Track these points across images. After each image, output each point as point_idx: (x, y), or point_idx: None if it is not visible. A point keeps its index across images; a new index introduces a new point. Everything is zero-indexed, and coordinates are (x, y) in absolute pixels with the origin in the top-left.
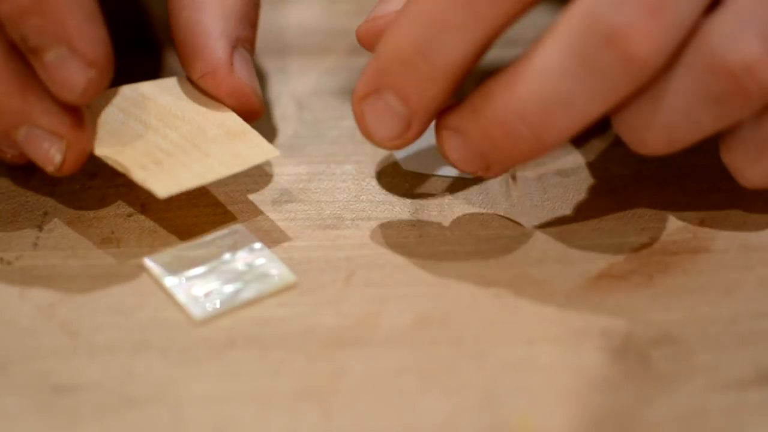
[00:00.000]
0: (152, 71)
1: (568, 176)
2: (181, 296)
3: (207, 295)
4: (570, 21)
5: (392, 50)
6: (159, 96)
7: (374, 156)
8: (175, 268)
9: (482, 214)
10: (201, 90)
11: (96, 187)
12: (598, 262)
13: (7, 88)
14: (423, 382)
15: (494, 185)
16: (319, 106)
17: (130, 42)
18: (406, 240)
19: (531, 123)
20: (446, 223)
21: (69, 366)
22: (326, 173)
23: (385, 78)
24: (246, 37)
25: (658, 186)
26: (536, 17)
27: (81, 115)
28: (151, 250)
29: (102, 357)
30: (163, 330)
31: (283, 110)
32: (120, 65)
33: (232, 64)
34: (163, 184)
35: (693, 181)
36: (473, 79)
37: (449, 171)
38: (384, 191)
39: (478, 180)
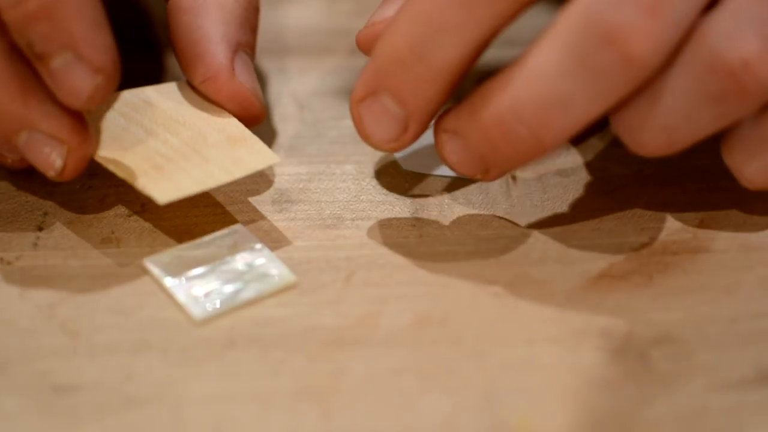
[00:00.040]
0: (153, 72)
1: (568, 176)
2: (181, 296)
3: (207, 295)
4: (567, 21)
5: (388, 52)
6: (160, 101)
7: (374, 156)
8: (175, 268)
9: (482, 214)
10: (202, 95)
11: (96, 187)
12: (598, 262)
13: (8, 92)
14: (423, 382)
15: (494, 185)
16: (319, 106)
17: (131, 42)
18: (406, 240)
19: (529, 124)
20: (446, 223)
21: (69, 366)
22: (326, 173)
23: (381, 80)
24: (246, 41)
25: (658, 186)
26: (536, 17)
27: (82, 119)
28: (151, 250)
29: (102, 357)
30: (163, 330)
31: (283, 110)
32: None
33: (233, 69)
34: (163, 190)
35: (693, 181)
36: (473, 79)
37: (449, 171)
38: (384, 191)
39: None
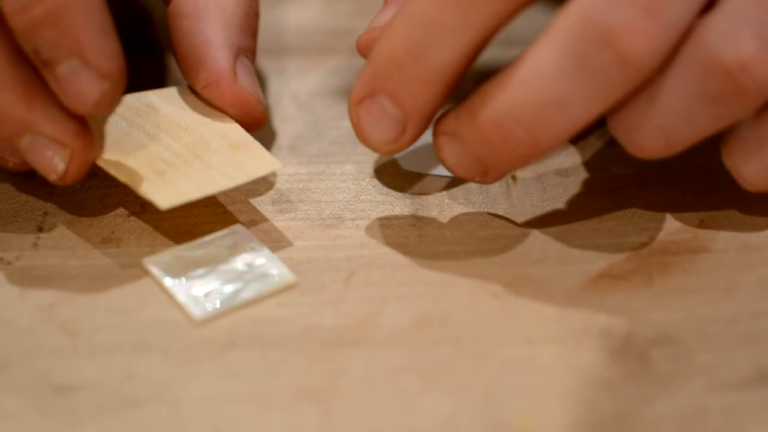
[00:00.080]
0: (154, 72)
1: (568, 176)
2: (181, 296)
3: (207, 295)
4: (565, 22)
5: (385, 54)
6: (162, 105)
7: (374, 156)
8: (175, 268)
9: (482, 214)
10: (204, 100)
11: (96, 187)
12: (598, 262)
13: (12, 95)
14: (423, 382)
15: (494, 185)
16: (319, 106)
17: (131, 43)
18: (406, 240)
19: (527, 125)
20: (446, 223)
21: (69, 366)
22: (326, 173)
23: (379, 82)
24: (248, 46)
25: (657, 186)
26: (535, 17)
27: (85, 123)
28: (151, 250)
29: (102, 357)
30: (163, 330)
31: (283, 111)
32: None
33: (235, 74)
34: (164, 195)
35: (693, 181)
36: (472, 79)
37: (449, 171)
38: (384, 191)
39: None
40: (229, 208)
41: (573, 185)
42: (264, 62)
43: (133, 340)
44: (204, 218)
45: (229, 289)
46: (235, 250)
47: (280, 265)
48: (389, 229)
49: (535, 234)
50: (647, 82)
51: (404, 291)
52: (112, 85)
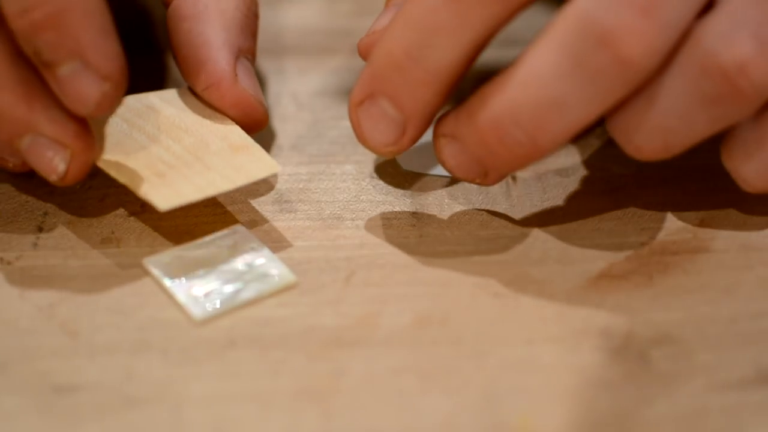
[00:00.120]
0: (154, 72)
1: (568, 176)
2: (181, 296)
3: (207, 295)
4: (564, 23)
5: (385, 56)
6: (163, 107)
7: (374, 156)
8: (175, 268)
9: (482, 214)
10: (204, 102)
11: (96, 187)
12: (598, 262)
13: (13, 96)
14: (423, 382)
15: (494, 185)
16: (319, 106)
17: (132, 42)
18: (406, 240)
19: (526, 127)
20: (446, 223)
21: (69, 366)
22: (326, 173)
23: (378, 84)
24: (248, 47)
25: (657, 186)
26: (535, 17)
27: (86, 124)
28: (151, 250)
29: (102, 357)
30: (163, 330)
31: (283, 111)
32: None
33: (236, 75)
34: (164, 197)
35: (693, 182)
36: (472, 80)
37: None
38: (384, 191)
39: None
40: (229, 208)
41: (573, 185)
42: (264, 62)
43: (133, 340)
44: (204, 218)
45: (229, 289)
46: (235, 250)
47: (280, 265)
48: (389, 229)
49: (535, 234)
50: (645, 84)
51: (404, 291)
52: (112, 86)
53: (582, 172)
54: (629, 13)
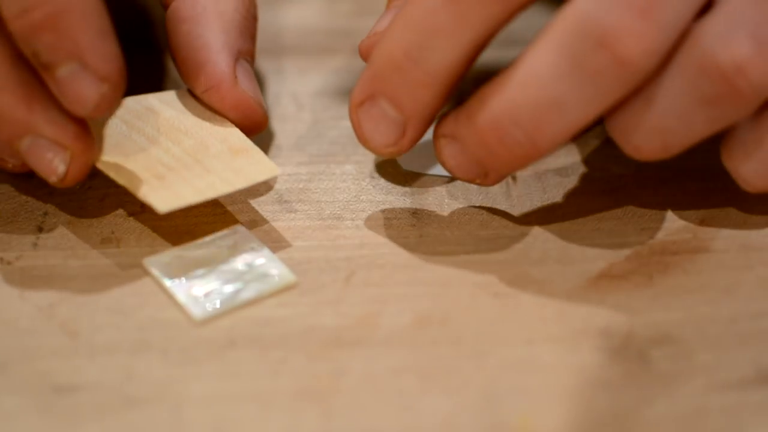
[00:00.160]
0: (153, 72)
1: (568, 176)
2: (181, 296)
3: (207, 295)
4: (562, 23)
5: (384, 57)
6: (162, 109)
7: (374, 156)
8: (175, 268)
9: (482, 214)
10: (204, 104)
11: (96, 187)
12: (598, 262)
13: (13, 97)
14: (423, 382)
15: (494, 185)
16: (319, 106)
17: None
18: (406, 240)
19: (525, 127)
20: (446, 223)
21: (69, 366)
22: (326, 173)
23: (378, 85)
24: (247, 49)
25: (657, 186)
26: (535, 17)
27: (86, 126)
28: (151, 250)
29: (102, 357)
30: (163, 330)
31: (282, 111)
32: None
33: (235, 77)
34: (163, 199)
35: (693, 181)
36: (473, 80)
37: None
38: (384, 191)
39: None
40: (229, 208)
41: (573, 185)
42: (264, 62)
43: (133, 340)
44: (204, 218)
45: (229, 289)
46: (235, 250)
47: (280, 265)
48: (389, 229)
49: (535, 234)
50: (644, 84)
51: (404, 291)
52: (111, 87)
53: (582, 172)
54: (628, 13)
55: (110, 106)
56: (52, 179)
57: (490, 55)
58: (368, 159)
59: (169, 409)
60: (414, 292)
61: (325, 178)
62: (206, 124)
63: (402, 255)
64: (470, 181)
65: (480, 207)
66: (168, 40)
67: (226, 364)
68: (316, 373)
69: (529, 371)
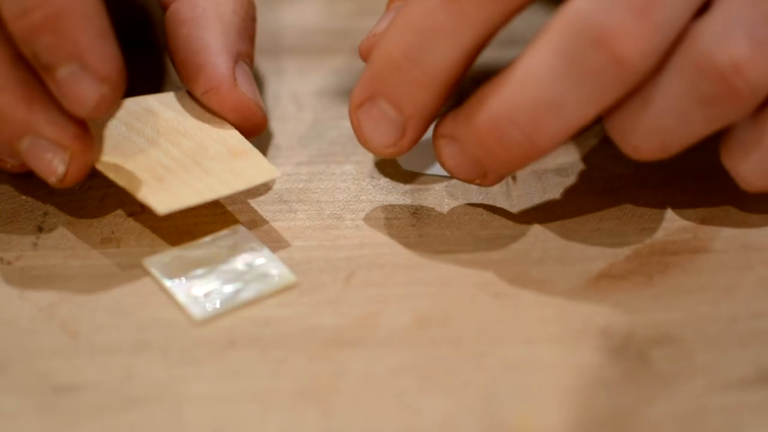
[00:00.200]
0: (153, 72)
1: (568, 176)
2: (181, 296)
3: (207, 295)
4: (560, 23)
5: (384, 58)
6: (162, 110)
7: (374, 156)
8: (175, 268)
9: (482, 214)
10: (203, 105)
11: (96, 187)
12: (598, 262)
13: (13, 97)
14: (423, 382)
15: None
16: (318, 106)
17: (131, 42)
18: (406, 240)
19: (523, 127)
20: (446, 223)
21: (69, 366)
22: (326, 173)
23: (378, 85)
24: (246, 51)
25: (658, 186)
26: (535, 17)
27: (85, 126)
28: (151, 250)
29: (102, 357)
30: (163, 330)
31: (282, 111)
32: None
33: (235, 79)
34: (162, 201)
35: (693, 181)
36: (473, 80)
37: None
38: (384, 191)
39: None
40: (229, 208)
41: (573, 185)
42: (264, 62)
43: (133, 340)
44: (204, 218)
45: (229, 289)
46: (235, 250)
47: (280, 265)
48: (389, 230)
49: (535, 234)
50: (642, 84)
51: (404, 291)
52: (111, 88)
53: (582, 171)
54: (625, 14)
55: (110, 107)
56: (52, 180)
57: (489, 55)
58: (368, 159)
59: (169, 409)
60: (414, 292)
61: (325, 178)
62: (205, 126)
63: (402, 255)
64: (469, 181)
65: (480, 207)
66: (167, 42)
67: (226, 364)
68: (316, 373)
69: (529, 371)
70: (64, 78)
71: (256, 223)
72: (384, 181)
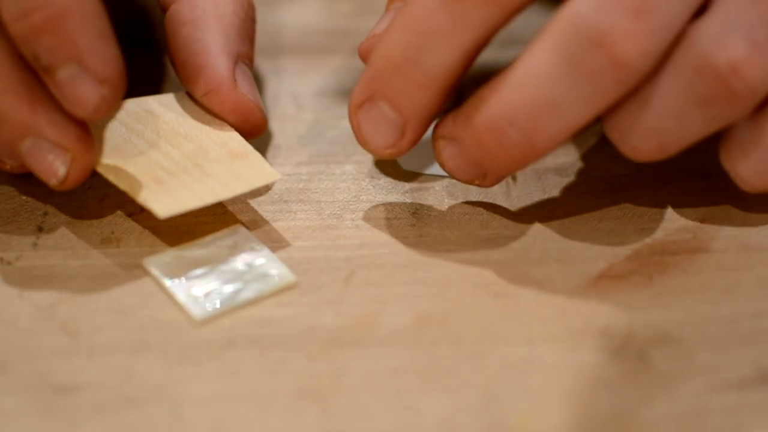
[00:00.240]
0: (153, 73)
1: (568, 176)
2: (181, 296)
3: (207, 295)
4: (558, 24)
5: (383, 58)
6: (162, 112)
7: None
8: (175, 268)
9: (482, 214)
10: (203, 107)
11: (96, 187)
12: (598, 262)
13: (15, 98)
14: (423, 382)
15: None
16: (318, 106)
17: (131, 42)
18: (406, 240)
19: (522, 128)
20: (446, 223)
21: (69, 366)
22: (326, 173)
23: (377, 86)
24: (246, 52)
25: (658, 186)
26: (535, 17)
27: (86, 128)
28: (151, 250)
29: (102, 357)
30: (163, 330)
31: (282, 111)
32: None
33: (235, 81)
34: (163, 204)
35: (693, 181)
36: (473, 80)
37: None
38: (384, 191)
39: None
40: (229, 208)
41: (573, 185)
42: (264, 63)
43: (133, 340)
44: (204, 218)
45: (229, 289)
46: (235, 250)
47: (280, 265)
48: (389, 229)
49: (535, 234)
50: (640, 85)
51: (404, 291)
52: (111, 89)
53: (582, 171)
54: (623, 15)
55: (110, 108)
56: (52, 182)
57: (489, 55)
58: (368, 159)
59: (169, 409)
60: (414, 292)
61: (324, 178)
62: (206, 128)
63: (402, 255)
64: (469, 182)
65: (480, 207)
66: (167, 44)
67: (226, 364)
68: (315, 373)
69: (529, 371)
70: (64, 79)
71: (256, 223)
72: (384, 181)
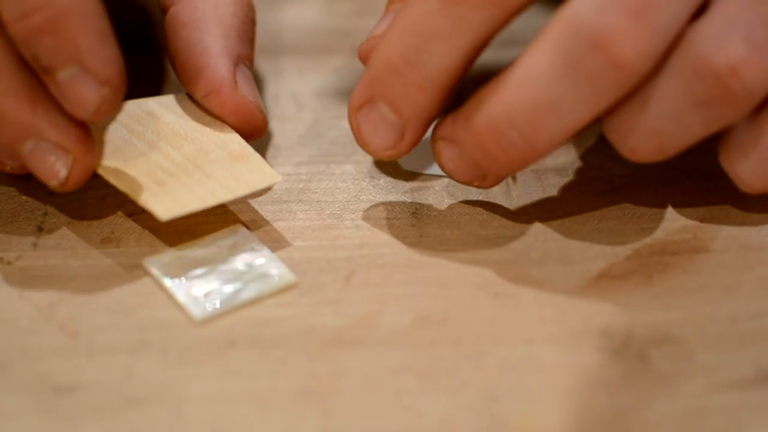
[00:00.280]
0: (153, 73)
1: (568, 176)
2: (181, 296)
3: (207, 295)
4: (558, 26)
5: (382, 61)
6: (162, 113)
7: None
8: (175, 268)
9: (482, 214)
10: (204, 108)
11: (96, 187)
12: (598, 262)
13: (16, 100)
14: (423, 382)
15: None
16: (318, 106)
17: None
18: (406, 240)
19: (522, 129)
20: (446, 223)
21: (69, 366)
22: (326, 173)
23: (377, 88)
24: (246, 54)
25: (658, 186)
26: (535, 18)
27: (87, 129)
28: (151, 250)
29: (102, 357)
30: (163, 330)
31: (282, 111)
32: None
33: (235, 82)
34: (164, 206)
35: (693, 181)
36: (473, 81)
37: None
38: (384, 191)
39: None
40: (229, 207)
41: (573, 185)
42: (264, 63)
43: (133, 340)
44: (204, 218)
45: (229, 289)
46: (235, 250)
47: (280, 265)
48: (389, 229)
49: (535, 234)
50: (639, 86)
51: (404, 291)
52: (111, 90)
53: (582, 171)
54: (622, 16)
55: (111, 109)
56: (53, 183)
57: (489, 56)
58: (368, 159)
59: (169, 409)
60: (414, 292)
61: (324, 178)
62: (206, 130)
63: (402, 255)
64: (469, 183)
65: (480, 207)
66: (167, 45)
67: (226, 364)
68: (315, 373)
69: (529, 371)
70: (64, 81)
71: (256, 223)
72: (384, 181)
